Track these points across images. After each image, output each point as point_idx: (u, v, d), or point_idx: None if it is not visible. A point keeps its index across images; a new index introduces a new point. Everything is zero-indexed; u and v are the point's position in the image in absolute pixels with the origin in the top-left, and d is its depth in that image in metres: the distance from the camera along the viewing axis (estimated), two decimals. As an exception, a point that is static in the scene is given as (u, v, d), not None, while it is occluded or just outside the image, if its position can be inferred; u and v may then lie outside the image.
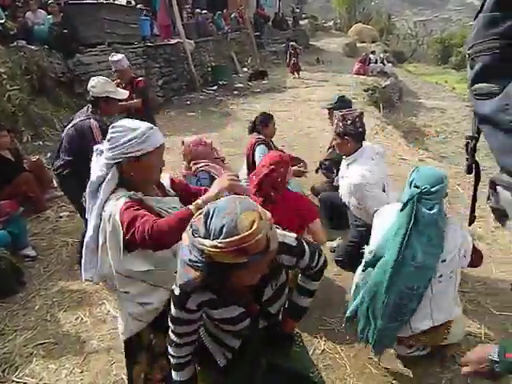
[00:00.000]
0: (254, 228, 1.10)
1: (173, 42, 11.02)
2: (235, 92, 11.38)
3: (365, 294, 2.16)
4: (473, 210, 1.01)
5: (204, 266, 1.15)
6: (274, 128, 3.92)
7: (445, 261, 2.01)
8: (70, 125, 3.22)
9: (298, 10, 24.80)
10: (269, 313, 1.50)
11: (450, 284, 2.09)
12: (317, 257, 1.54)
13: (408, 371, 2.36)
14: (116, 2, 9.15)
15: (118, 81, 4.66)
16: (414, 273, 1.96)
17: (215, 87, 11.81)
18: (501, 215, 0.88)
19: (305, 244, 1.50)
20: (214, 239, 1.10)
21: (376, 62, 15.70)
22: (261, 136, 3.76)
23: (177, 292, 1.35)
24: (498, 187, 0.86)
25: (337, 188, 3.23)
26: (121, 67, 4.65)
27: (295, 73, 13.79)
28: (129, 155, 1.64)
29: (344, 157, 3.02)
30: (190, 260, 1.18)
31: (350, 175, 2.88)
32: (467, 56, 0.83)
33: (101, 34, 8.11)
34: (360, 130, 2.88)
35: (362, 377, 2.36)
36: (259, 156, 3.54)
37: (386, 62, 16.30)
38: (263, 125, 3.80)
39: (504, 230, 3.51)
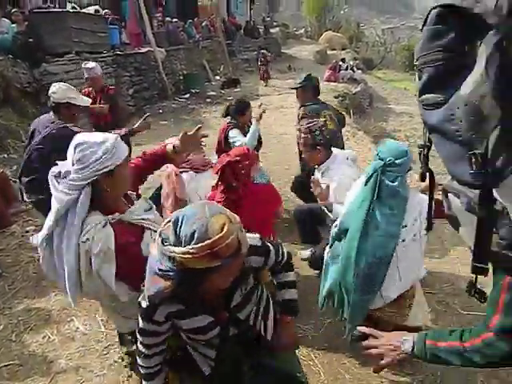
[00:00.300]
0: (224, 231, 1.11)
1: (143, 50, 10.91)
2: (208, 100, 11.36)
3: (334, 270, 2.25)
4: (429, 217, 1.03)
5: (175, 274, 1.15)
6: (251, 115, 3.86)
7: (406, 226, 2.09)
8: (42, 135, 3.10)
9: (268, 19, 25.04)
10: (238, 319, 1.49)
11: (414, 247, 2.18)
12: (280, 251, 1.61)
13: (380, 375, 2.38)
14: (83, 11, 9.01)
15: (90, 89, 4.60)
16: (379, 242, 2.03)
17: (187, 95, 11.75)
18: (453, 222, 0.90)
19: (267, 242, 1.54)
20: (185, 246, 1.10)
21: (346, 69, 16.00)
22: (233, 121, 3.73)
23: (144, 304, 1.33)
24: (449, 194, 0.89)
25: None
26: (94, 74, 4.61)
27: (264, 81, 13.82)
28: (102, 171, 1.59)
29: (316, 167, 3.05)
30: (159, 270, 1.17)
31: (327, 181, 2.88)
32: (415, 67, 0.85)
33: (68, 43, 7.94)
34: (328, 137, 2.93)
35: (336, 383, 2.37)
36: (232, 137, 3.55)
37: (355, 68, 16.64)
38: (240, 113, 3.74)
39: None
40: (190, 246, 1.09)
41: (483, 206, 0.75)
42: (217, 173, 2.57)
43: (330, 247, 2.34)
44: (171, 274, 1.15)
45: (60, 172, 1.66)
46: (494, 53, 0.67)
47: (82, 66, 4.74)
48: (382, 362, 1.26)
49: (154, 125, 8.83)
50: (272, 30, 25.67)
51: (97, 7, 9.53)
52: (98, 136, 1.65)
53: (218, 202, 2.70)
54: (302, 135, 2.94)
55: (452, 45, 0.75)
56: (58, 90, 3.18)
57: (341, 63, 16.18)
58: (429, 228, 1.03)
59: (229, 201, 2.53)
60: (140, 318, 1.39)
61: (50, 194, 3.04)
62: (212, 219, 1.12)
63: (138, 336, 1.44)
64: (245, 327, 1.54)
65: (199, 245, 1.09)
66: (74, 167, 1.61)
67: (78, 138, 1.64)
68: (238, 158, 2.53)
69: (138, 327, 1.43)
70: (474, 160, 0.73)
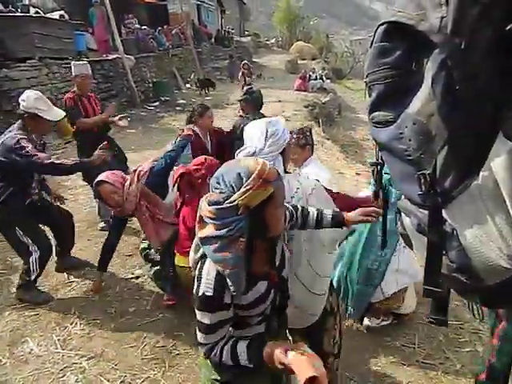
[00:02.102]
0: (259, 160, 1.24)
1: (111, 57, 10.71)
2: (177, 108, 11.24)
3: (341, 265, 2.72)
4: (384, 234, 1.02)
5: (243, 220, 1.18)
6: (210, 120, 3.79)
7: None
8: None
9: (233, 31, 25.21)
10: (283, 279, 1.46)
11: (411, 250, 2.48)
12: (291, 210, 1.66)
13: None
14: (48, 16, 8.75)
15: (78, 92, 4.15)
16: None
17: (157, 103, 11.59)
18: (406, 240, 0.89)
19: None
20: (239, 189, 1.17)
21: (316, 79, 16.25)
22: (195, 128, 3.68)
23: (210, 292, 1.24)
24: (402, 214, 0.87)
25: None
26: (85, 71, 4.22)
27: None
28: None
29: (296, 168, 3.13)
30: (228, 231, 1.17)
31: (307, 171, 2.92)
32: (365, 84, 0.83)
33: (30, 49, 7.67)
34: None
35: None
36: (170, 146, 3.53)
37: (325, 78, 16.92)
38: (197, 116, 3.72)
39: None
40: (244, 184, 1.17)
41: (432, 227, 0.73)
42: (174, 185, 2.53)
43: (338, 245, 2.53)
44: (240, 224, 1.18)
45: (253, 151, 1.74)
46: (439, 72, 0.65)
47: (72, 63, 4.35)
48: None
49: (122, 133, 8.70)
50: (243, 39, 25.88)
51: (62, 12, 9.28)
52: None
53: (182, 216, 2.65)
54: (294, 136, 3.02)
55: (399, 62, 0.73)
56: (27, 99, 2.96)
57: (310, 73, 16.43)
58: (383, 245, 1.01)
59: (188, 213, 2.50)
60: (205, 313, 1.27)
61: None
62: (243, 161, 1.25)
63: (204, 338, 1.31)
64: (286, 290, 1.50)
65: (250, 178, 1.17)
66: (267, 143, 1.72)
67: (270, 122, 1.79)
68: (196, 167, 2.51)
69: (201, 327, 1.30)
70: (422, 180, 0.71)
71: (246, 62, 14.45)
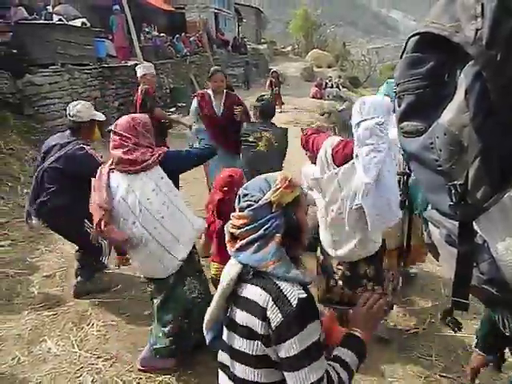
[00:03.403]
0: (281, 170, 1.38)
1: (130, 63, 10.90)
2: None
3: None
4: (408, 245, 1.01)
5: (278, 218, 1.22)
6: (217, 83, 4.17)
7: None
8: (58, 154, 2.99)
9: (245, 39, 25.41)
10: None
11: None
12: None
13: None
14: (70, 23, 8.96)
15: (149, 87, 4.73)
16: None
17: (174, 109, 11.73)
18: (433, 251, 0.88)
19: None
20: (268, 190, 1.23)
21: (332, 87, 16.26)
22: (208, 90, 4.28)
23: (303, 294, 1.14)
24: (429, 224, 0.86)
25: None
26: (153, 71, 5.08)
27: (279, 105, 11.87)
28: None
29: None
30: (265, 230, 1.20)
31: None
32: (395, 94, 0.83)
33: (53, 55, 7.87)
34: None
35: None
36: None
37: (341, 87, 16.92)
38: (207, 79, 4.30)
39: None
40: (273, 185, 1.23)
41: (463, 238, 0.72)
42: (215, 216, 2.56)
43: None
44: (278, 220, 1.21)
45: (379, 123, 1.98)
46: (473, 83, 0.65)
47: (139, 65, 5.21)
48: None
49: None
50: (260, 47, 26.06)
51: (83, 20, 9.48)
52: None
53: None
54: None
55: (431, 73, 0.73)
56: (82, 109, 3.08)
57: (327, 81, 16.45)
58: (406, 264, 1.00)
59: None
60: (311, 325, 1.12)
61: (60, 219, 3.08)
62: (263, 176, 1.30)
63: (316, 369, 1.12)
64: None
65: (278, 180, 1.23)
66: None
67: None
68: (226, 189, 2.48)
69: (311, 351, 1.12)
70: (453, 191, 0.71)
71: (274, 70, 13.94)
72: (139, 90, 4.74)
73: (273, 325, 1.11)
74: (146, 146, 2.31)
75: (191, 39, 16.86)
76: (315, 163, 2.42)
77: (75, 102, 3.18)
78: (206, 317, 1.34)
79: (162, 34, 14.04)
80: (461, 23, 0.67)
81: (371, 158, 2.01)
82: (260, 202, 1.22)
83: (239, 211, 1.25)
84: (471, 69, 0.65)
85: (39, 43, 7.59)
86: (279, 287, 1.14)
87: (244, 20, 28.46)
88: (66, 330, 2.91)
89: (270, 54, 27.17)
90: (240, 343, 1.20)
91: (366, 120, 2.02)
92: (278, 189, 1.22)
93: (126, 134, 2.27)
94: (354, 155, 2.12)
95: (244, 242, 1.22)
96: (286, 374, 1.14)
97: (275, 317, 1.11)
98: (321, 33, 35.98)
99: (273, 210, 1.22)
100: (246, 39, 25.42)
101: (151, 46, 13.02)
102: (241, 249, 1.22)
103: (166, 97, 12.41)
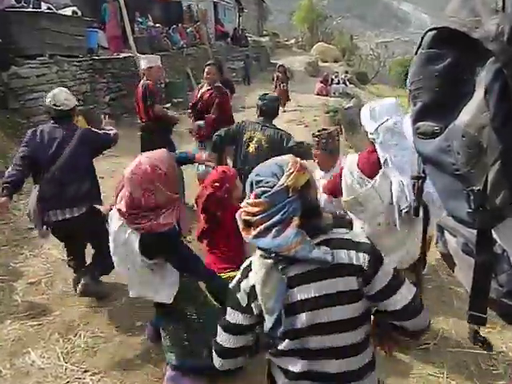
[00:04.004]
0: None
1: (123, 55, 10.91)
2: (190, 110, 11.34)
3: None
4: (423, 254, 1.01)
5: (295, 202, 1.27)
6: (208, 75, 4.84)
7: None
8: (75, 142, 3.10)
9: (246, 31, 25.43)
10: None
11: None
12: None
13: None
14: (60, 12, 8.98)
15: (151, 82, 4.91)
16: None
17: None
18: (448, 261, 0.88)
19: None
20: (282, 175, 1.29)
21: (338, 83, 16.29)
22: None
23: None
24: (445, 232, 0.86)
25: None
26: (159, 63, 5.34)
27: (282, 104, 10.86)
28: None
29: (323, 172, 3.32)
30: (283, 214, 1.25)
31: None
32: (409, 92, 0.83)
33: (41, 46, 7.88)
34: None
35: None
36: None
37: (347, 82, 16.94)
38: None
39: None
40: (286, 170, 1.29)
41: (481, 248, 0.72)
42: (201, 211, 2.61)
43: None
44: (292, 206, 1.26)
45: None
46: (493, 81, 0.65)
47: (142, 57, 5.48)
48: None
49: (131, 136, 8.82)
50: (261, 39, 26.10)
51: (74, 8, 9.50)
52: None
53: (202, 230, 2.69)
54: (322, 140, 3.20)
55: (448, 70, 0.73)
56: (69, 97, 3.23)
57: (333, 77, 16.47)
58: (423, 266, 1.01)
59: (210, 228, 2.55)
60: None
61: (87, 211, 3.14)
62: (273, 159, 1.38)
63: None
64: None
65: (289, 164, 1.30)
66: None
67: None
68: (217, 185, 2.54)
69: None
70: (471, 197, 0.71)
71: (281, 64, 13.74)
72: (140, 85, 4.86)
73: (365, 266, 1.25)
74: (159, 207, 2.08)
75: (188, 30, 16.87)
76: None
77: (55, 91, 3.25)
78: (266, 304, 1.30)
79: (157, 25, 14.04)
80: (481, 18, 0.68)
81: (401, 158, 2.14)
82: (276, 188, 1.27)
83: (254, 198, 1.30)
84: (491, 66, 0.65)
85: (26, 33, 7.59)
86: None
87: (245, 10, 28.51)
88: (51, 341, 2.90)
89: (272, 47, 27.21)
90: (341, 312, 1.26)
91: (382, 123, 2.14)
92: (292, 172, 1.28)
93: (138, 195, 2.03)
94: (382, 162, 2.22)
95: (262, 228, 1.26)
96: (388, 300, 1.29)
97: (363, 259, 1.26)
98: (327, 25, 36.03)
99: (289, 195, 1.27)
100: (246, 31, 25.46)
101: (146, 37, 13.03)
102: (259, 235, 1.28)
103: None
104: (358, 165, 2.38)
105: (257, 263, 1.29)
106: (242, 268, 1.40)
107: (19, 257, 3.97)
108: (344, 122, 11.58)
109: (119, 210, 2.09)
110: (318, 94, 15.10)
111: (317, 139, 3.27)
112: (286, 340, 1.28)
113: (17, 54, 7.51)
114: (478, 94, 0.69)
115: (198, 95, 4.98)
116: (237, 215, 1.36)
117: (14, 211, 4.81)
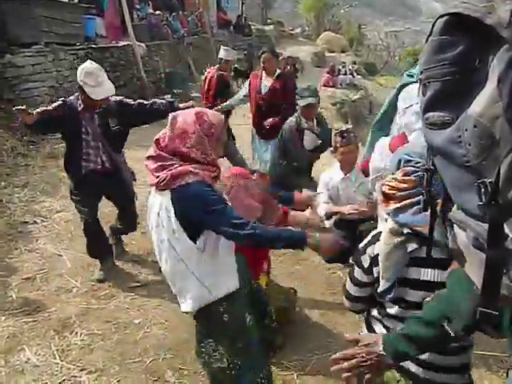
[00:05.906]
0: None
1: (121, 44, 10.89)
2: (191, 102, 11.33)
3: None
4: (429, 249, 1.01)
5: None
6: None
7: None
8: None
9: (249, 19, 25.32)
10: None
11: None
12: None
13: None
14: (56, -2, 8.96)
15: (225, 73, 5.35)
16: None
17: (169, 96, 11.71)
18: (458, 257, 0.88)
19: None
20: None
21: (345, 74, 16.21)
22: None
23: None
24: (454, 226, 0.87)
25: None
26: (232, 57, 5.60)
27: None
28: None
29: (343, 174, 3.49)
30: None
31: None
32: (419, 81, 0.83)
33: (36, 33, 7.86)
34: None
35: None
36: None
37: (355, 73, 16.87)
38: None
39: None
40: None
41: (493, 242, 0.72)
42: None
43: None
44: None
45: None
46: (507, 70, 0.65)
47: (223, 48, 5.60)
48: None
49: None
50: (265, 28, 25.98)
51: (71, -6, 9.50)
52: None
53: None
54: (350, 134, 3.37)
55: (460, 59, 0.73)
56: (80, 70, 3.19)
57: (340, 67, 16.40)
58: (428, 252, 1.03)
59: None
60: None
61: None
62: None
63: None
64: None
65: None
66: None
67: None
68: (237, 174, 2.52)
69: None
70: (483, 190, 0.70)
71: (290, 56, 13.73)
72: (215, 75, 5.18)
73: None
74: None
75: (189, 18, 16.82)
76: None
77: (88, 62, 3.34)
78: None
79: (157, 12, 14.00)
80: (494, 3, 0.67)
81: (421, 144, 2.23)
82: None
83: (403, 175, 1.44)
84: (505, 54, 0.65)
85: (21, 20, 7.56)
86: None
87: (249, -3, 28.38)
88: (46, 338, 2.93)
89: (276, 36, 27.06)
90: None
91: (412, 105, 2.29)
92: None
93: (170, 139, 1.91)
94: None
95: (407, 202, 1.41)
96: None
97: None
98: (334, 13, 35.77)
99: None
100: (250, 19, 25.34)
101: (145, 24, 12.99)
102: (400, 209, 1.43)
103: (161, 82, 12.40)
104: (389, 148, 2.50)
105: (386, 236, 1.47)
106: (371, 234, 1.64)
107: (14, 252, 3.99)
108: (351, 115, 11.55)
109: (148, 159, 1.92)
110: (324, 86, 15.02)
111: (341, 136, 3.40)
112: (396, 307, 1.53)
113: (11, 43, 7.49)
114: (491, 83, 0.68)
115: (263, 90, 4.72)
116: (377, 187, 1.54)
117: (9, 204, 4.83)
